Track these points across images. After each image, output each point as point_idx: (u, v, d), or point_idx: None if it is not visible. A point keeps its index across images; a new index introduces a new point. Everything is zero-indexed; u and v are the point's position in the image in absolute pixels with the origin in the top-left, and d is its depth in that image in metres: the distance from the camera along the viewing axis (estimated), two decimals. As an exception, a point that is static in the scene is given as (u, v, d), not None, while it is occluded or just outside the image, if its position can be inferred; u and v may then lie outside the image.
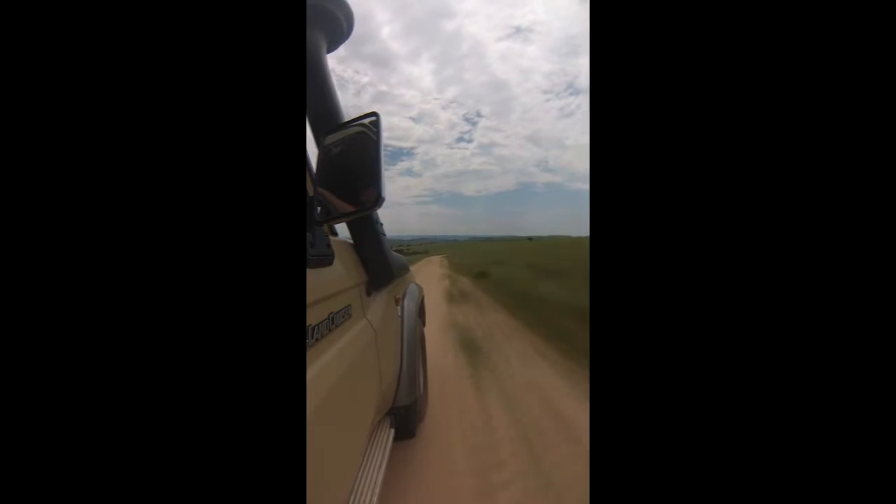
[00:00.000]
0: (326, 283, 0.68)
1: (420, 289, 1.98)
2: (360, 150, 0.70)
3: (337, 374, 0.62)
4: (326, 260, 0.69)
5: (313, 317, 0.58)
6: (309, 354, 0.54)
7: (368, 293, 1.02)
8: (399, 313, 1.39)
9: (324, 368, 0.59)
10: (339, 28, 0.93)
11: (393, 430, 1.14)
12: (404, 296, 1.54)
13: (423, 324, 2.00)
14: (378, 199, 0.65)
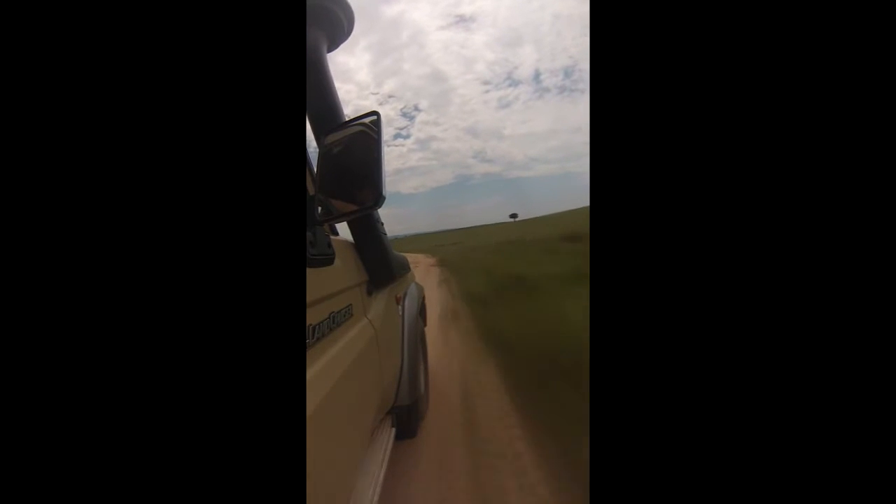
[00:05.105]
0: (327, 283, 0.68)
1: (420, 288, 1.98)
2: (360, 150, 0.71)
3: (338, 374, 0.63)
4: (327, 259, 0.69)
5: (314, 316, 0.58)
6: (310, 354, 0.54)
7: (369, 293, 1.02)
8: (400, 313, 1.39)
9: (325, 368, 0.59)
10: (340, 27, 0.93)
11: (394, 430, 1.14)
12: (405, 295, 1.54)
13: (424, 323, 2.00)
14: (379, 199, 0.65)
